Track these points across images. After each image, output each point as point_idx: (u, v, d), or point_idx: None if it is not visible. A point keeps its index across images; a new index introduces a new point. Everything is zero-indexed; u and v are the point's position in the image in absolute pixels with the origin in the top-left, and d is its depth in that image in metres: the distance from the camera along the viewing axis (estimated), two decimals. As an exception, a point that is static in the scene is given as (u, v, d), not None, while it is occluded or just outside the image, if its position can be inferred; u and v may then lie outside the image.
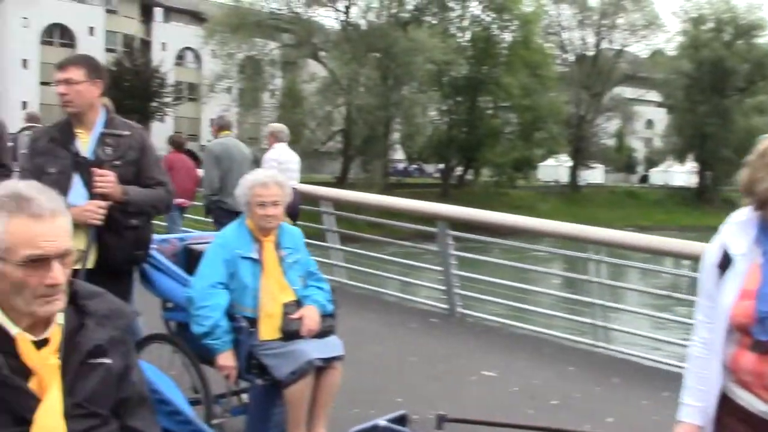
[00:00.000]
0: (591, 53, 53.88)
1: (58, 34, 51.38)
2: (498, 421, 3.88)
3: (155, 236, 3.81)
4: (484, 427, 3.89)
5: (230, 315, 3.51)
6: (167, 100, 46.91)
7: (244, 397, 3.88)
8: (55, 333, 1.68)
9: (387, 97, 41.04)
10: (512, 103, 45.62)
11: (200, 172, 9.00)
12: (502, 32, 47.27)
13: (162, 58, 48.99)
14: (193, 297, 3.48)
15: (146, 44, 52.52)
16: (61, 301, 1.66)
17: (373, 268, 8.86)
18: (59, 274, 1.62)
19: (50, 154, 3.45)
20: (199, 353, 3.57)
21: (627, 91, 56.66)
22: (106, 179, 3.34)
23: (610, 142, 59.89)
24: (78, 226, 3.42)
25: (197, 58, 54.04)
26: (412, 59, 39.51)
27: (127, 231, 3.48)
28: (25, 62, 49.45)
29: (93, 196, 3.37)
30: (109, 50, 50.33)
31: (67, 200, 3.48)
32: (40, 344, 1.65)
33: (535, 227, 6.84)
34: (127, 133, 3.50)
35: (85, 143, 3.47)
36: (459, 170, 49.28)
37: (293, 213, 8.19)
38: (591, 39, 54.17)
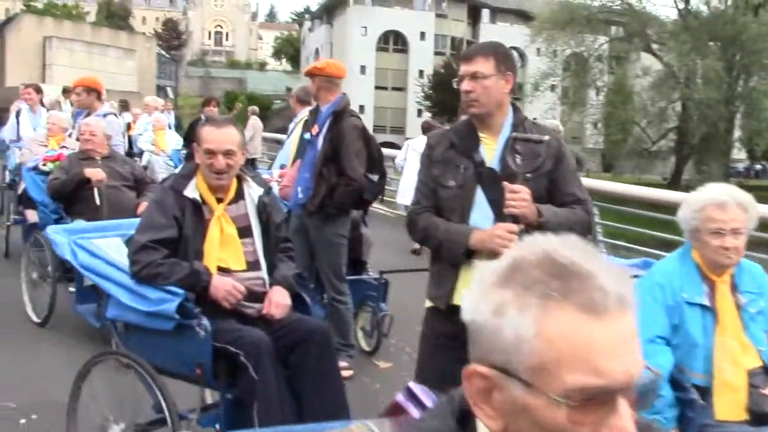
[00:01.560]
0: None
1: (392, 40, 54.77)
2: None
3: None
4: None
5: (674, 381, 2.62)
6: (491, 100, 47.28)
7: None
8: None
9: (731, 89, 37.02)
10: None
11: None
12: None
13: (487, 58, 49.60)
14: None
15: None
16: None
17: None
18: (629, 423, 0.87)
19: (449, 164, 2.85)
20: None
21: None
22: (520, 196, 2.65)
23: None
24: (484, 254, 2.82)
25: (522, 57, 53.96)
26: (764, 46, 35.12)
27: None
28: (363, 68, 53.59)
29: (500, 216, 2.70)
30: (437, 53, 52.90)
31: (469, 221, 2.92)
32: None
33: None
34: (544, 138, 2.78)
35: (490, 151, 2.82)
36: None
37: None
38: None
